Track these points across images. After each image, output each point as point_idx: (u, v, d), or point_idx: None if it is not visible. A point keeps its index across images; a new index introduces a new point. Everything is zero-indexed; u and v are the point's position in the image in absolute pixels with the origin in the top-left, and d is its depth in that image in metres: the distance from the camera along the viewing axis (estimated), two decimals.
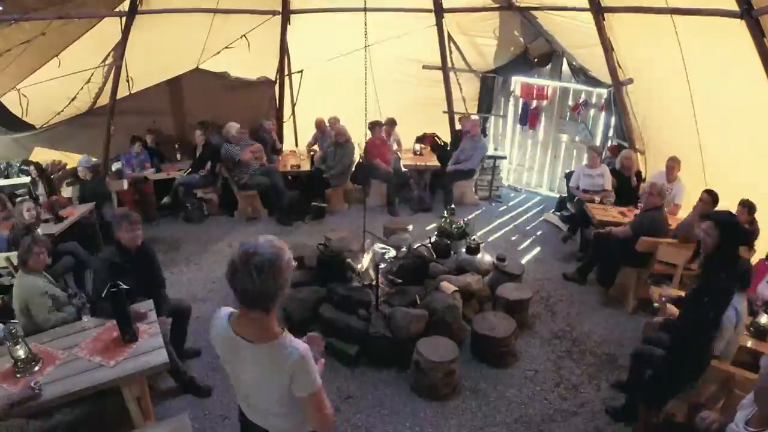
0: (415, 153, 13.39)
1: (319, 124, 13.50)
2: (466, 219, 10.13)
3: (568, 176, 12.18)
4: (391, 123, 13.11)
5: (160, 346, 5.33)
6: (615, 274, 9.13)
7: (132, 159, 12.48)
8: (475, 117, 13.41)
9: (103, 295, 5.58)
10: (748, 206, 7.93)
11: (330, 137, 12.84)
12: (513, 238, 11.67)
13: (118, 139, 12.72)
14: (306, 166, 12.57)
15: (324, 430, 3.57)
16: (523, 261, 9.98)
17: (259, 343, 3.21)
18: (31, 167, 11.60)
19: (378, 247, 8.70)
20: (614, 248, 8.90)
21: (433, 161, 13.08)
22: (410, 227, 9.97)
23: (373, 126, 12.07)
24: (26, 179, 11.95)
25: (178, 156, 13.36)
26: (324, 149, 12.97)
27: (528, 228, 12.13)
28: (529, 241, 11.50)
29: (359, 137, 10.95)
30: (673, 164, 9.75)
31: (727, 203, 8.03)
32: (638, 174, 10.57)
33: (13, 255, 8.49)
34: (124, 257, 6.39)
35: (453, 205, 12.37)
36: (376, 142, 12.43)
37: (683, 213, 9.35)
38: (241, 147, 11.84)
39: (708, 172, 9.31)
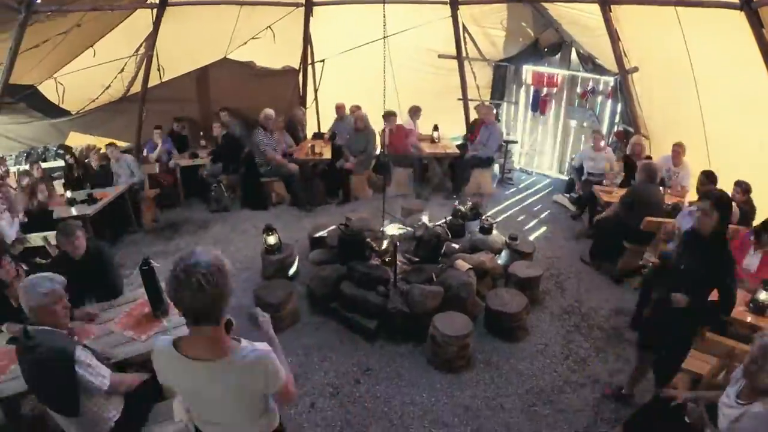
0: (433, 140, 13.31)
1: (339, 109, 13.47)
2: (478, 201, 10.16)
3: (576, 160, 12.19)
4: (415, 111, 13.07)
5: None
6: (613, 251, 9.19)
7: (151, 144, 12.51)
8: (487, 104, 13.34)
9: None
10: (742, 186, 7.97)
11: (349, 124, 12.85)
12: (524, 218, 11.64)
13: (149, 124, 12.76)
14: (327, 154, 12.49)
15: (290, 401, 3.60)
16: (534, 240, 9.94)
17: (218, 359, 2.95)
18: (68, 154, 11.69)
19: (396, 227, 8.74)
20: (610, 227, 9.03)
21: (452, 148, 13.03)
22: (427, 209, 9.92)
23: (388, 116, 12.04)
24: (62, 162, 12.01)
25: (203, 143, 13.35)
26: (345, 137, 12.95)
27: (538, 209, 12.09)
28: (539, 220, 11.47)
29: (379, 125, 10.94)
30: (678, 149, 9.73)
31: (730, 187, 8.03)
32: (647, 159, 10.50)
33: (51, 235, 8.53)
34: (68, 265, 6.22)
35: (465, 189, 12.41)
36: (395, 130, 12.46)
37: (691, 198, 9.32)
38: (273, 142, 11.82)
39: (712, 157, 9.25)
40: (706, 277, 4.97)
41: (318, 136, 13.31)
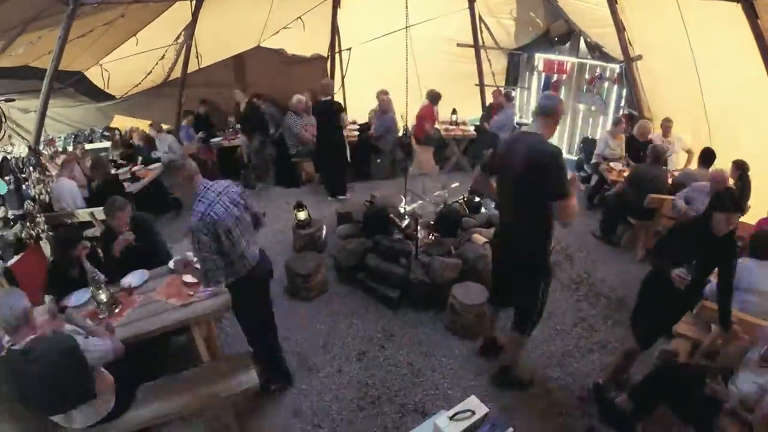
0: (452, 123, 13.31)
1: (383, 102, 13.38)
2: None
3: (585, 141, 12.19)
4: (435, 96, 13.06)
5: (224, 292, 5.36)
6: (615, 226, 9.41)
7: (187, 130, 12.57)
8: (496, 89, 13.34)
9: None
10: (738, 165, 7.92)
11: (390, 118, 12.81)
12: None
13: (188, 107, 12.86)
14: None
15: None
16: None
17: None
18: (115, 132, 11.80)
19: (418, 203, 8.77)
20: (617, 203, 9.12)
21: (470, 131, 13.05)
22: (447, 187, 9.92)
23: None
24: (107, 143, 12.11)
25: (236, 126, 13.35)
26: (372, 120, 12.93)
27: None
28: None
29: (402, 109, 10.99)
30: (666, 124, 10.01)
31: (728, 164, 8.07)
32: (650, 141, 10.48)
33: (97, 210, 8.61)
34: (115, 239, 6.26)
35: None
36: (420, 112, 12.46)
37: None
38: (303, 122, 11.82)
39: (713, 137, 9.25)
40: (714, 259, 4.91)
41: (366, 128, 13.23)
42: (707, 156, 8.46)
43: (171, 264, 6.20)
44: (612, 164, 10.30)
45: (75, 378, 4.08)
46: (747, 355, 4.58)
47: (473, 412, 3.33)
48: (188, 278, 5.86)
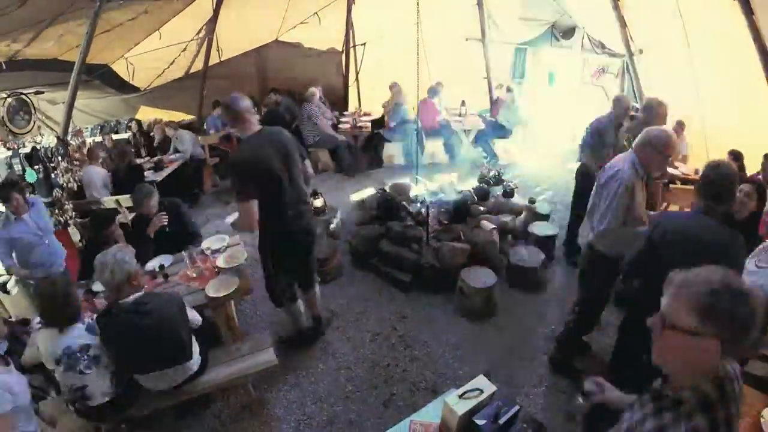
0: (460, 115, 13.32)
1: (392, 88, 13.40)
2: (501, 169, 10.21)
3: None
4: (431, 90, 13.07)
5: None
6: None
7: (215, 120, 12.57)
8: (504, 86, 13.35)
9: None
10: (734, 155, 7.92)
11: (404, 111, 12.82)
12: (541, 182, 11.60)
13: (210, 99, 12.90)
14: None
15: None
16: (550, 202, 9.92)
17: None
18: (133, 123, 11.86)
19: (428, 191, 8.79)
20: None
21: (478, 122, 13.02)
22: (456, 175, 9.93)
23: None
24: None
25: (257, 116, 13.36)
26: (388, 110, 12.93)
27: (554, 174, 12.03)
28: (555, 184, 11.41)
29: (413, 101, 10.98)
30: (678, 128, 9.74)
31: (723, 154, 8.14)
32: None
33: (123, 197, 8.67)
34: (147, 224, 6.36)
35: (491, 158, 12.42)
36: (427, 105, 12.45)
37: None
38: (320, 114, 11.86)
39: (707, 127, 9.31)
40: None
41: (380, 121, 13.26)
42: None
43: (203, 244, 6.41)
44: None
45: (181, 335, 4.22)
46: None
47: (481, 391, 3.35)
48: (220, 262, 5.93)
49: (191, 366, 4.62)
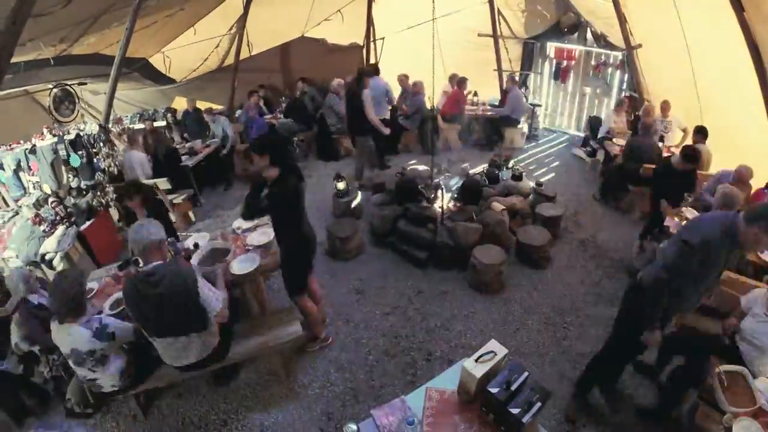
0: (473, 104, 13.36)
1: (415, 85, 13.36)
2: (510, 154, 10.25)
3: (591, 119, 12.20)
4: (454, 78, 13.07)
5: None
6: (612, 190, 9.57)
7: (246, 114, 12.57)
8: (509, 75, 13.33)
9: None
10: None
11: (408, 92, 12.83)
12: (548, 167, 11.58)
13: (242, 90, 12.95)
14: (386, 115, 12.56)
15: None
16: (556, 185, 9.91)
17: None
18: (168, 114, 11.94)
19: (444, 174, 8.82)
20: (615, 172, 9.40)
21: (488, 111, 13.08)
22: (469, 160, 9.92)
23: (451, 79, 12.42)
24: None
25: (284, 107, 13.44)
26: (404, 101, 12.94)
27: (560, 159, 12.02)
28: (560, 169, 11.42)
29: (429, 92, 10.96)
30: (664, 105, 9.98)
31: (720, 143, 8.52)
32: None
33: (161, 180, 8.75)
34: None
35: (500, 143, 12.47)
36: (453, 94, 12.46)
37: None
38: (343, 105, 11.89)
39: (704, 115, 9.24)
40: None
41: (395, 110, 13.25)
42: (702, 131, 8.44)
43: (234, 224, 6.50)
44: (615, 140, 10.33)
45: (188, 300, 4.20)
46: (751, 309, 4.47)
47: (495, 353, 3.38)
48: (251, 240, 5.98)
49: (211, 341, 4.63)
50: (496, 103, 13.35)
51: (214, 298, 4.36)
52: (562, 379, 5.48)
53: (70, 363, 4.35)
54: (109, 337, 4.30)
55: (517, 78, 13.16)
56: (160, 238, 4.20)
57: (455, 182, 8.68)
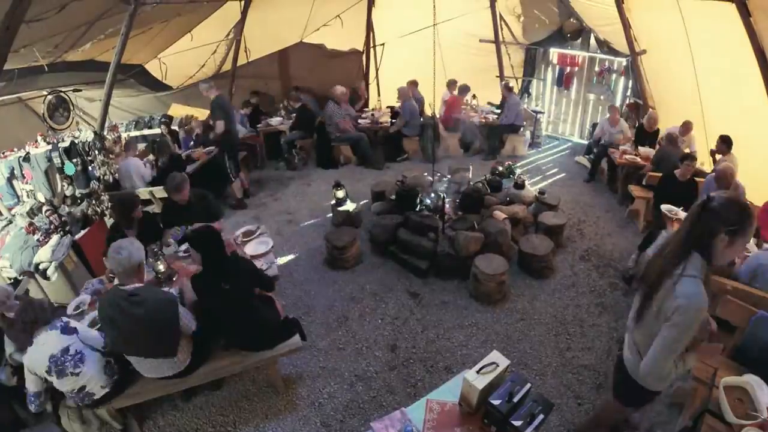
0: (473, 109, 13.41)
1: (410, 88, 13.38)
2: (512, 162, 10.29)
3: (594, 126, 12.27)
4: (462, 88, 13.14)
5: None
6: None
7: (243, 119, 12.61)
8: (504, 82, 13.36)
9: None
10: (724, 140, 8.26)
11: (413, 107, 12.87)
12: (551, 175, 11.60)
13: (239, 96, 13.01)
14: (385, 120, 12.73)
15: None
16: (559, 193, 9.91)
17: None
18: (162, 124, 11.95)
19: (444, 182, 8.84)
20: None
21: (490, 118, 13.08)
22: (470, 168, 9.94)
23: (450, 85, 12.58)
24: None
25: (282, 112, 13.50)
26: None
27: (562, 168, 12.03)
28: (563, 177, 11.43)
29: (429, 98, 11.00)
30: (687, 125, 9.69)
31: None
32: (656, 130, 10.47)
33: (157, 189, 8.77)
34: (176, 210, 6.65)
35: (499, 152, 12.62)
36: (449, 101, 12.56)
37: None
38: (343, 112, 12.01)
39: (707, 122, 9.36)
40: None
41: (395, 114, 13.28)
42: (726, 141, 8.27)
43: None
44: (621, 148, 10.34)
45: (166, 325, 4.27)
46: None
47: (497, 364, 3.39)
48: (248, 249, 6.00)
49: (179, 365, 4.65)
50: (495, 106, 13.41)
51: (189, 327, 4.54)
52: (565, 390, 5.48)
53: (56, 384, 4.29)
54: (73, 331, 4.31)
55: (513, 85, 13.18)
56: (140, 261, 4.29)
57: (457, 190, 8.67)
